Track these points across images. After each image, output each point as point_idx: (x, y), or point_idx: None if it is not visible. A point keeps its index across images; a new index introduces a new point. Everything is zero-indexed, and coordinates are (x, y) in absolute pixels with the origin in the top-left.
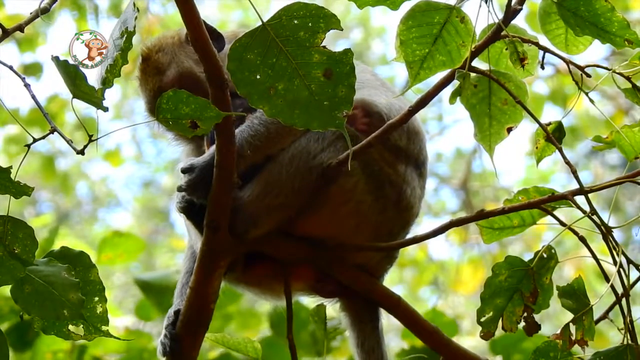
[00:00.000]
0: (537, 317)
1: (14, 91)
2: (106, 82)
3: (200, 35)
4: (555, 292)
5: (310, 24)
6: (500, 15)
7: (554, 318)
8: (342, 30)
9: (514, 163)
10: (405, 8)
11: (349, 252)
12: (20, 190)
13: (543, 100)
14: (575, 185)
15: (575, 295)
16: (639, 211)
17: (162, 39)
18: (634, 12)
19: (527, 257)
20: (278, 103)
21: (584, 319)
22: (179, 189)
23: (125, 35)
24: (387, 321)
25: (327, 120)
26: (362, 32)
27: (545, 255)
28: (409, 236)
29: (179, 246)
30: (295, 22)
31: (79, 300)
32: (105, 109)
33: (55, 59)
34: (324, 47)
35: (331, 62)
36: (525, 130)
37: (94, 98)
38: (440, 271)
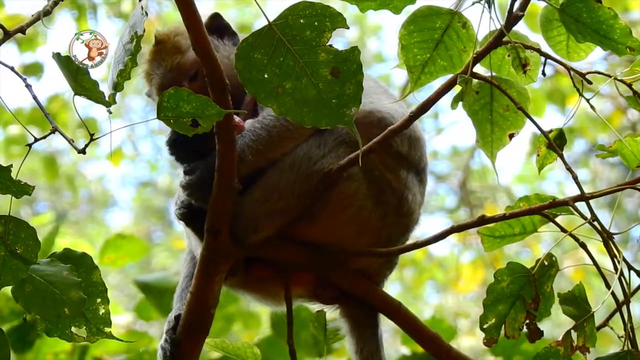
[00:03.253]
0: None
1: (13, 90)
2: (117, 87)
3: (202, 39)
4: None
5: (316, 23)
6: (502, 21)
7: (552, 316)
8: (348, 28)
9: (510, 159)
10: (407, 12)
11: (349, 258)
12: (22, 190)
13: (544, 101)
14: (572, 185)
15: (576, 302)
16: (639, 209)
17: (179, 26)
18: (633, 13)
19: (524, 255)
20: (286, 102)
21: (585, 325)
22: (181, 185)
23: (135, 40)
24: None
25: (336, 117)
26: (358, 31)
27: (546, 263)
28: (409, 242)
29: (177, 246)
30: (302, 21)
31: (80, 298)
32: (109, 106)
33: (57, 55)
34: (331, 45)
35: (338, 61)
36: (523, 130)
37: (96, 94)
38: (439, 270)
